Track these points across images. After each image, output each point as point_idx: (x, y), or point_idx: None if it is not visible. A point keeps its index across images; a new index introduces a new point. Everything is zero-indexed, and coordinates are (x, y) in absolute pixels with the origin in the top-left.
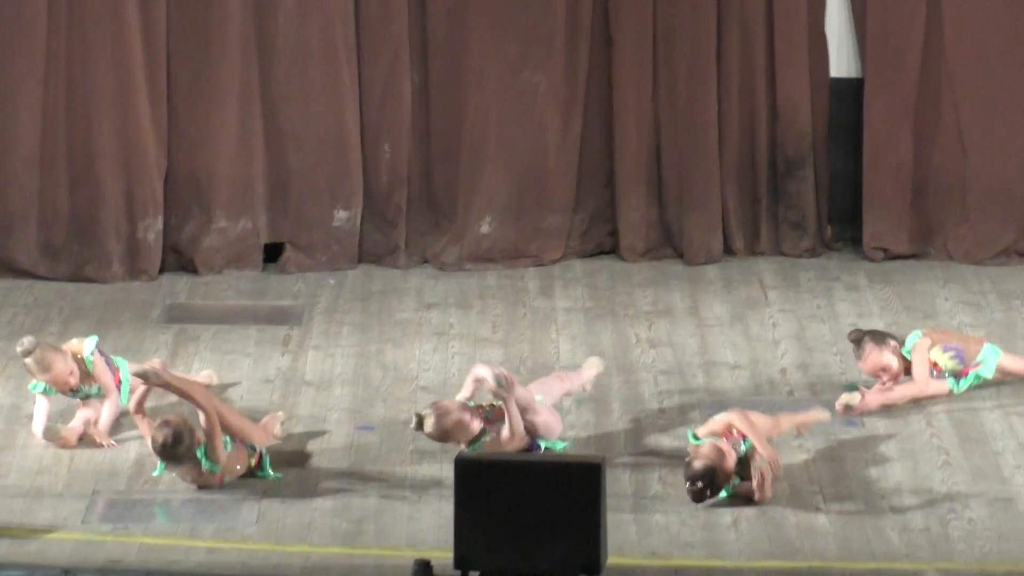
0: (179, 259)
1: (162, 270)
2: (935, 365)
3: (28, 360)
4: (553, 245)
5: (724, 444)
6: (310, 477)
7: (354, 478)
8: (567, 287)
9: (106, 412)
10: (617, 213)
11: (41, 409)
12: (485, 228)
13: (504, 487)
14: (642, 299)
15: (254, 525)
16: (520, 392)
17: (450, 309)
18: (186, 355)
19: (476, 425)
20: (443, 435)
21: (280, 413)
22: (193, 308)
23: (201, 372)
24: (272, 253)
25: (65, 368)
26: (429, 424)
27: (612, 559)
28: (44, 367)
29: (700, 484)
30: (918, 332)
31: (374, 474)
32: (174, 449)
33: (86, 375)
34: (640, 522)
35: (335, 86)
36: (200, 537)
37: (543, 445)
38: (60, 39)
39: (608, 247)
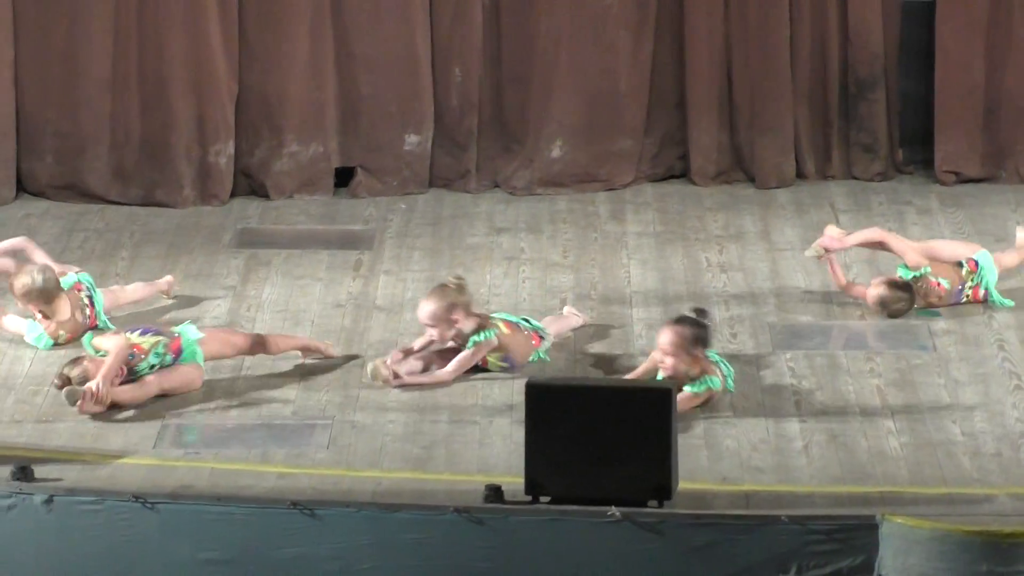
0: (250, 183)
1: (233, 194)
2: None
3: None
4: (624, 169)
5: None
6: (381, 402)
7: (425, 403)
8: (638, 211)
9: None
10: (688, 136)
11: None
12: (556, 152)
13: (575, 412)
14: (713, 223)
15: (325, 450)
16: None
17: (521, 234)
18: (257, 280)
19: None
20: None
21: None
22: (264, 232)
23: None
24: (343, 177)
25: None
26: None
27: (682, 484)
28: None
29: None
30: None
31: (444, 399)
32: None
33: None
34: (711, 447)
35: (406, 9)
36: (271, 462)
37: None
38: None
39: (679, 171)
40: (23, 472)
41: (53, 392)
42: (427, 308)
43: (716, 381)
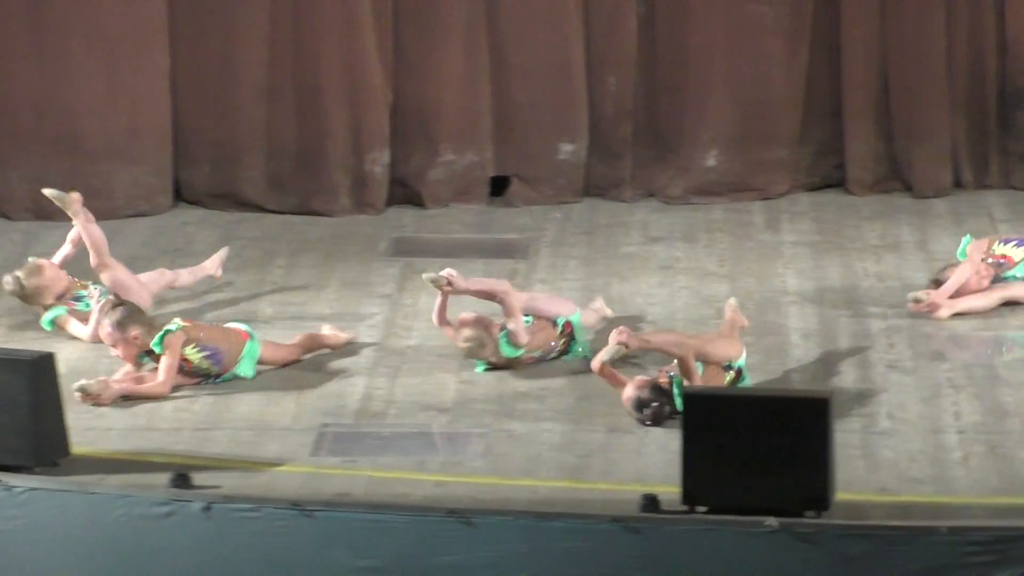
0: (405, 192)
1: (388, 203)
2: (1005, 257)
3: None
4: (779, 178)
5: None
6: (537, 411)
7: (581, 412)
8: (793, 220)
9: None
10: (844, 145)
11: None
12: (711, 161)
13: (731, 421)
14: (869, 232)
15: (481, 459)
16: (475, 283)
17: (676, 243)
18: (412, 288)
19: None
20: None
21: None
22: (419, 241)
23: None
24: (498, 186)
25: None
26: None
27: (840, 495)
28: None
29: (640, 414)
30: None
31: (600, 409)
32: None
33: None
34: (868, 457)
35: (561, 18)
36: (427, 470)
37: (567, 320)
38: None
39: (835, 180)
40: (182, 479)
41: (211, 400)
42: None
43: None
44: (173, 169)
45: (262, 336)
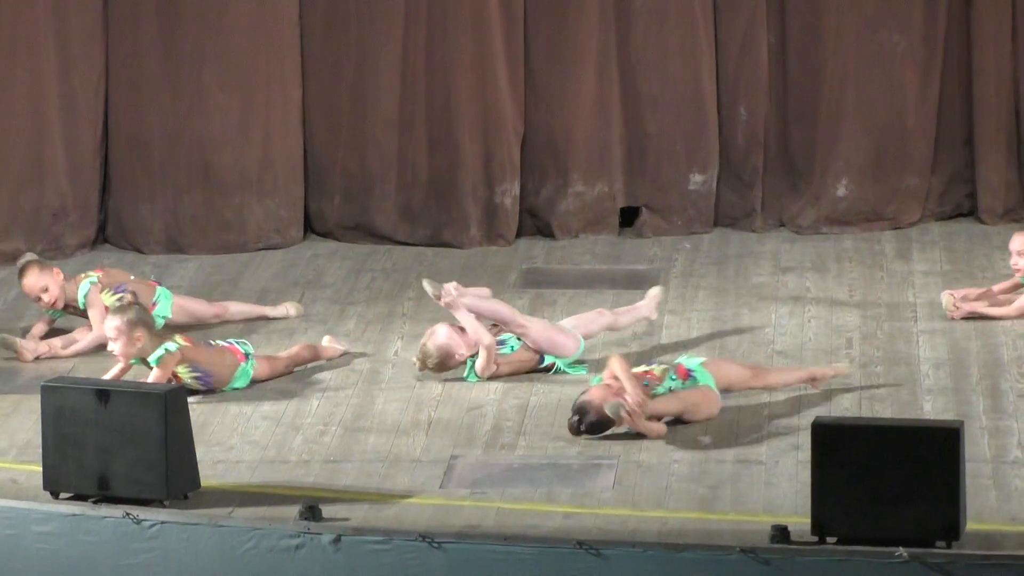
0: (535, 223)
1: (519, 234)
2: None
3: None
4: (911, 207)
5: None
6: (666, 442)
7: (710, 443)
8: (924, 250)
9: (85, 341)
10: (976, 174)
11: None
12: (842, 190)
13: (862, 451)
14: (1001, 262)
15: (610, 490)
16: (483, 304)
17: (806, 273)
18: (550, 315)
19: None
20: (441, 364)
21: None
22: (550, 272)
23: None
24: (628, 216)
25: (38, 284)
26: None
27: (971, 525)
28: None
29: (574, 418)
30: None
31: (730, 438)
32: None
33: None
34: (999, 487)
35: (692, 47)
36: (557, 502)
37: (553, 361)
38: (419, 2)
39: (966, 209)
40: (311, 512)
41: (340, 432)
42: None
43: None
44: (305, 201)
45: (259, 351)
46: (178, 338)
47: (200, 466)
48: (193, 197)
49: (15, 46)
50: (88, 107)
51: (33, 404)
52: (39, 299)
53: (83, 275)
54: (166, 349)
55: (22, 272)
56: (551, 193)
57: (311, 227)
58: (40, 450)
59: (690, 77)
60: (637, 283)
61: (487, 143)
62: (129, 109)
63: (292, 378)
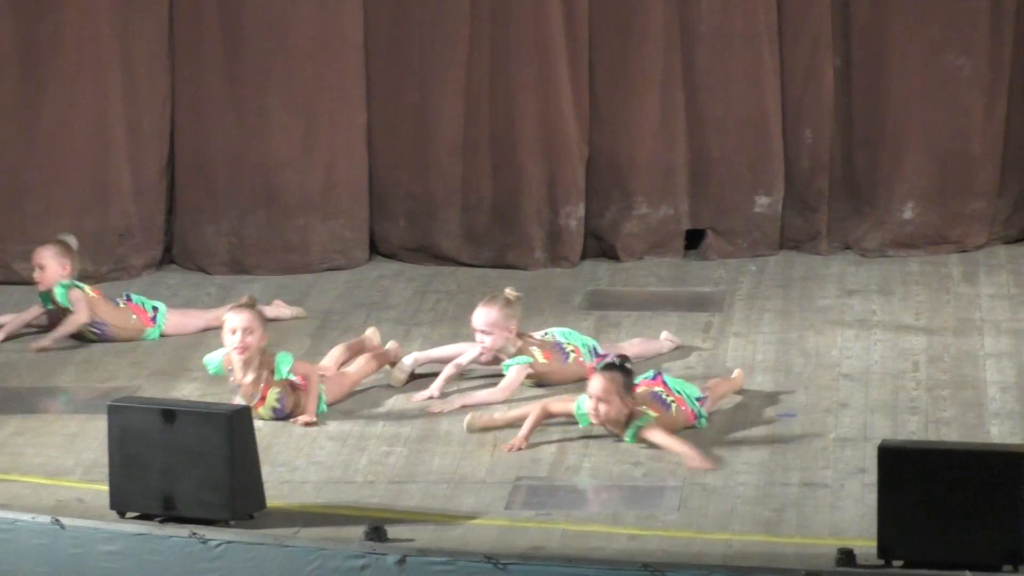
0: (600, 245)
1: (583, 256)
2: None
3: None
4: (977, 230)
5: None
6: (730, 464)
7: (775, 466)
8: (991, 273)
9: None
10: None
11: None
12: (907, 213)
13: (928, 475)
14: None
15: (675, 512)
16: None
17: (872, 296)
18: (606, 341)
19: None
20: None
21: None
22: (614, 294)
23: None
24: (693, 239)
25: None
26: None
27: None
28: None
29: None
30: None
31: (795, 462)
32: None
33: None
34: None
35: (757, 70)
36: (622, 524)
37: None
38: (483, 26)
39: None
40: (376, 532)
41: (405, 452)
42: (488, 314)
43: (649, 417)
44: (369, 223)
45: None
46: (290, 356)
47: (266, 486)
48: (257, 218)
49: (80, 69)
50: (153, 129)
51: (99, 424)
52: (34, 270)
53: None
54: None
55: (46, 243)
56: (615, 215)
57: (375, 248)
58: (106, 470)
59: (755, 100)
60: (701, 306)
61: (551, 166)
62: (194, 131)
63: (357, 399)
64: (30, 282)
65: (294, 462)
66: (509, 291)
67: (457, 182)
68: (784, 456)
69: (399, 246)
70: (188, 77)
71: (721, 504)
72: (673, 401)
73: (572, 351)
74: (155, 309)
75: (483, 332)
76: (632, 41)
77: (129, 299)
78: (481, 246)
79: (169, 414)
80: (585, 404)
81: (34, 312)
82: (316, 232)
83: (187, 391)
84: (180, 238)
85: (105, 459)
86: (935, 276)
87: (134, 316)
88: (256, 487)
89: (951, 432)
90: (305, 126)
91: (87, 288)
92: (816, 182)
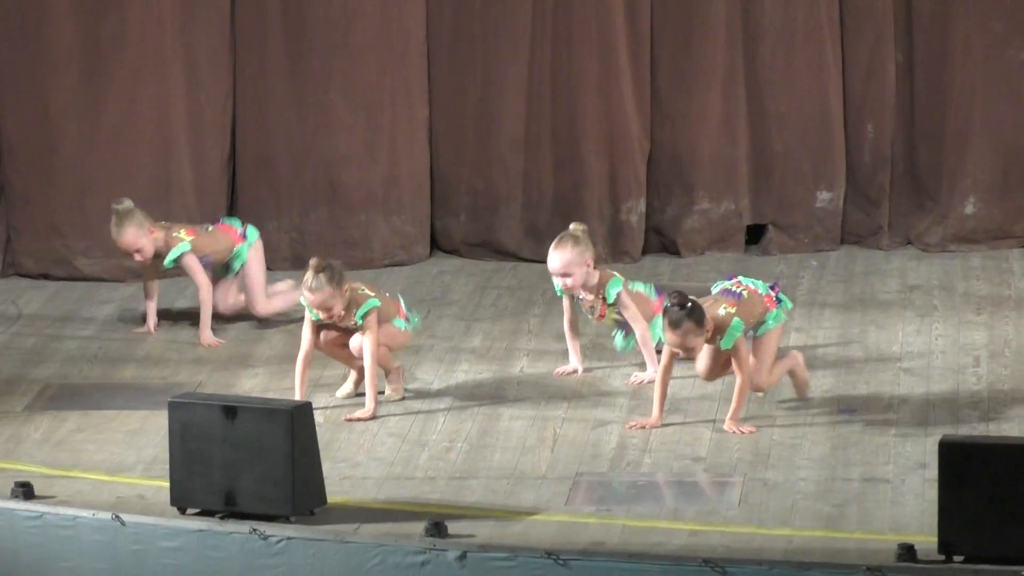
0: (661, 240)
1: (644, 251)
2: None
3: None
4: None
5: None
6: (790, 459)
7: (836, 461)
8: None
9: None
10: None
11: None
12: (969, 208)
13: (988, 470)
14: None
15: (736, 508)
16: None
17: (934, 291)
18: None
19: None
20: None
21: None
22: (676, 290)
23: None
24: (754, 234)
25: (133, 241)
26: None
27: None
28: (118, 229)
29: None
30: None
31: (856, 457)
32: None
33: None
34: None
35: (819, 65)
36: (682, 519)
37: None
38: (545, 22)
39: None
40: (437, 528)
41: (466, 448)
42: (563, 255)
43: (738, 324)
44: (430, 218)
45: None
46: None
47: (326, 482)
48: (319, 214)
49: (143, 64)
50: (215, 125)
51: (160, 420)
52: (129, 255)
53: (174, 235)
54: (372, 304)
55: (120, 224)
56: (677, 211)
57: (437, 244)
58: (167, 466)
59: (817, 95)
60: None
61: (613, 161)
62: (255, 127)
63: (417, 395)
64: (93, 278)
65: (355, 458)
66: (574, 226)
67: (518, 177)
68: (845, 451)
69: (460, 241)
70: (250, 73)
71: (782, 500)
72: (744, 290)
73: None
74: (244, 225)
75: (563, 275)
76: (694, 36)
77: (219, 222)
78: (542, 241)
79: (230, 410)
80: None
81: (156, 288)
82: (378, 228)
83: (248, 387)
84: None
85: (166, 455)
86: (996, 271)
87: (226, 236)
88: (317, 483)
89: (1012, 427)
90: (367, 122)
91: (184, 235)
92: (878, 177)
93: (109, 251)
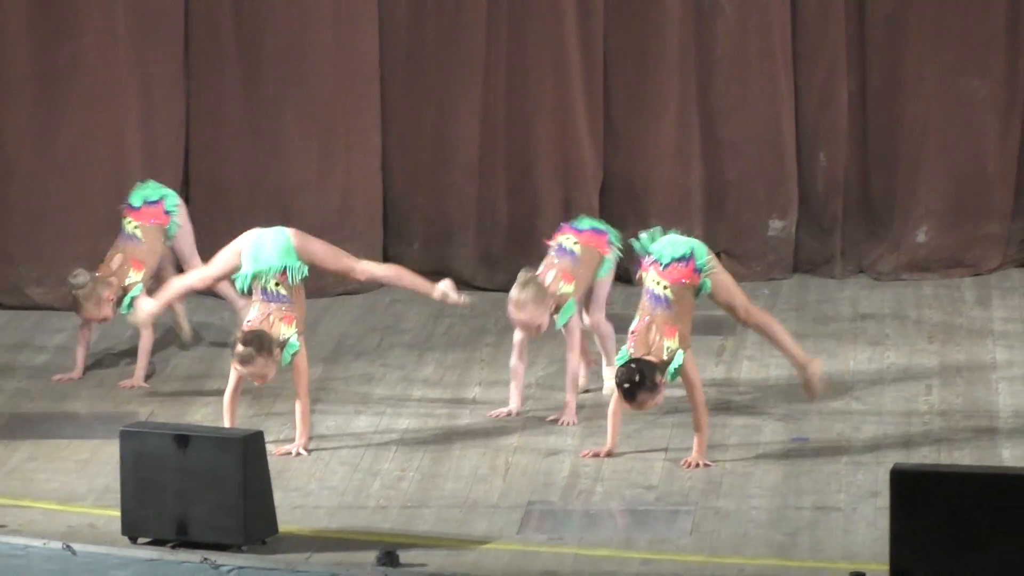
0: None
1: None
2: None
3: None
4: (991, 254)
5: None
6: (742, 487)
7: (788, 489)
8: (1004, 296)
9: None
10: None
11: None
12: (922, 237)
13: (940, 498)
14: None
15: (688, 536)
16: None
17: (886, 319)
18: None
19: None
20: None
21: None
22: (629, 318)
23: None
24: None
25: (96, 315)
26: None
27: None
28: (80, 307)
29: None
30: None
31: (808, 485)
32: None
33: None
34: None
35: (772, 93)
36: (635, 548)
37: None
38: (499, 49)
39: None
40: (388, 557)
41: (418, 477)
42: (524, 310)
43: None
44: (384, 246)
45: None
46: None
47: (278, 511)
48: None
49: (97, 94)
50: (169, 153)
51: (112, 449)
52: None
53: (127, 283)
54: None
55: (81, 303)
56: (630, 238)
57: None
58: (118, 495)
59: (770, 123)
60: (715, 329)
61: (566, 188)
62: (210, 154)
63: (369, 425)
64: (46, 307)
65: (307, 487)
66: (522, 276)
67: (472, 205)
68: (797, 480)
69: (413, 269)
70: (205, 101)
71: (734, 528)
72: (575, 245)
73: (574, 243)
74: (162, 199)
75: (526, 325)
76: (648, 64)
77: (131, 208)
78: (496, 269)
79: (182, 439)
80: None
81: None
82: None
83: (200, 416)
84: None
85: (117, 484)
86: (948, 299)
87: (153, 226)
88: (269, 512)
89: (963, 455)
90: (321, 149)
91: (134, 275)
92: (830, 205)
93: (62, 280)
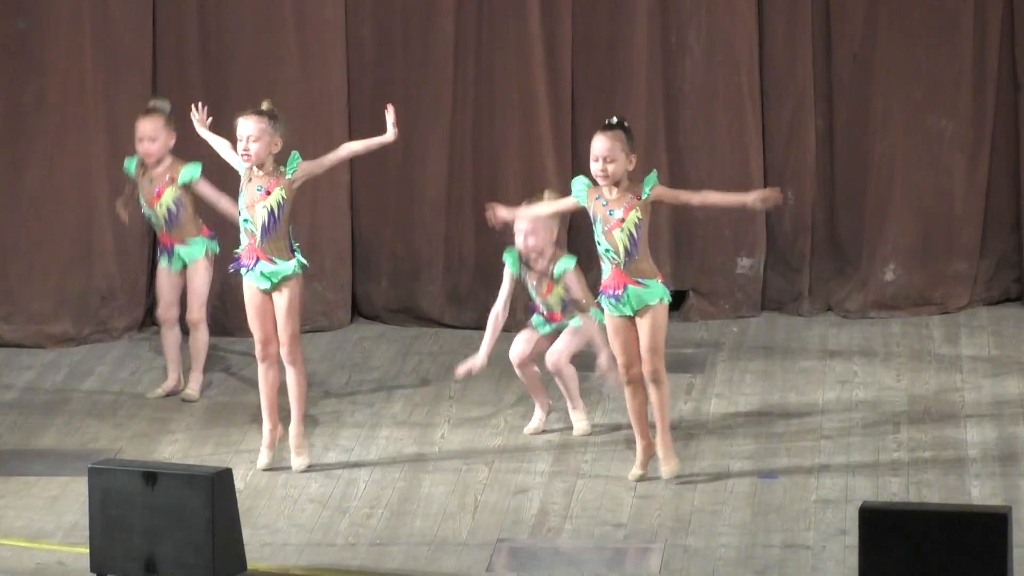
0: (581, 305)
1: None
2: None
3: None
4: (958, 292)
5: None
6: (711, 525)
7: (757, 527)
8: (972, 335)
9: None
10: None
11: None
12: (889, 275)
13: (909, 536)
14: None
15: (657, 574)
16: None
17: (854, 357)
18: (589, 403)
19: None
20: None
21: None
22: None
23: None
24: (675, 300)
25: (153, 129)
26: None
27: None
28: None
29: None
30: None
31: (777, 523)
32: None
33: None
34: None
35: (740, 131)
36: None
37: None
38: (467, 87)
39: (1014, 294)
40: None
41: (387, 514)
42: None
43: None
44: (352, 284)
45: None
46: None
47: (247, 548)
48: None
49: (64, 130)
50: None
51: (80, 486)
52: (140, 141)
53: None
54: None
55: (150, 112)
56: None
57: (358, 310)
58: (87, 532)
59: (738, 161)
60: (683, 367)
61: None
62: None
63: (338, 461)
64: (13, 344)
65: (275, 524)
66: (547, 193)
67: (440, 242)
68: (766, 518)
69: (382, 307)
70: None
71: (703, 566)
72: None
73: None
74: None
75: (528, 232)
76: (616, 101)
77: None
78: (464, 307)
79: (150, 476)
80: (581, 182)
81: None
82: None
83: (168, 453)
84: None
85: (86, 522)
86: (916, 337)
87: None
88: (237, 549)
89: (932, 493)
90: None
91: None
92: (798, 243)
93: (30, 317)
